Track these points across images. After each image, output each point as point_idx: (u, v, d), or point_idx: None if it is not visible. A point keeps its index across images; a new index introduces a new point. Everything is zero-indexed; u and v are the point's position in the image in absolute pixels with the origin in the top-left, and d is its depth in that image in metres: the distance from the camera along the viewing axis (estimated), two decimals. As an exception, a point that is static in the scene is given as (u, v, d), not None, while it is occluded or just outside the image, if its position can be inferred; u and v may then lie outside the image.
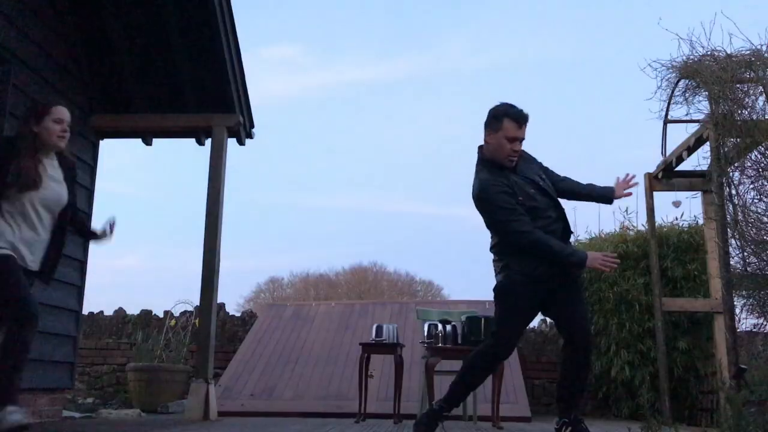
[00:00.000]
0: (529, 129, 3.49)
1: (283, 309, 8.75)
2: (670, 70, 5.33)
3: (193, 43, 5.37)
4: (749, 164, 4.84)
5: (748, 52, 4.91)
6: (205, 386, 5.13)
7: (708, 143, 5.06)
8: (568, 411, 3.49)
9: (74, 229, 3.58)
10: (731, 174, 4.88)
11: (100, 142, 5.63)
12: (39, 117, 3.30)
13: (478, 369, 3.55)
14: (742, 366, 4.43)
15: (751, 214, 4.75)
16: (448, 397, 3.54)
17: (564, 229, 3.52)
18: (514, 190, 3.39)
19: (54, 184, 3.32)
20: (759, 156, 4.79)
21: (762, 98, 4.83)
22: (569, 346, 3.47)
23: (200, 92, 5.55)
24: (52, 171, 3.34)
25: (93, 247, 5.40)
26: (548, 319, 8.32)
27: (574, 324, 3.44)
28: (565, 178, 3.75)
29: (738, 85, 4.85)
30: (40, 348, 4.69)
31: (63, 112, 3.36)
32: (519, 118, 3.43)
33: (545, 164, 3.75)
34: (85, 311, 8.44)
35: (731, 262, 4.81)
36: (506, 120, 3.42)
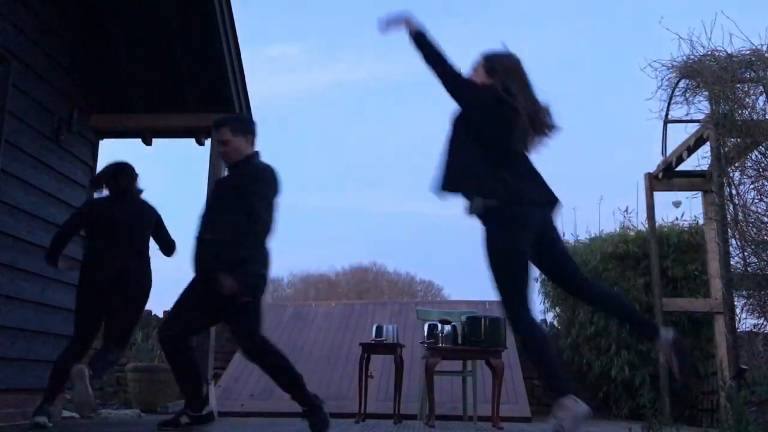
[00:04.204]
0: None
1: (284, 309, 8.75)
2: (671, 70, 5.33)
3: (192, 43, 5.37)
4: (749, 164, 4.84)
5: (749, 52, 4.91)
6: (205, 386, 5.11)
7: (708, 143, 5.06)
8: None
9: None
10: (731, 174, 4.88)
11: (100, 142, 5.63)
12: None
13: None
14: (743, 366, 4.43)
15: (752, 214, 4.75)
16: None
17: None
18: None
19: None
20: (759, 156, 4.80)
21: (762, 98, 4.84)
22: None
23: (200, 92, 5.54)
24: None
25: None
26: (548, 319, 8.31)
27: None
28: None
29: (738, 85, 4.85)
30: (40, 348, 4.68)
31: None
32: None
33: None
34: (85, 311, 8.41)
35: (731, 262, 4.81)
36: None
